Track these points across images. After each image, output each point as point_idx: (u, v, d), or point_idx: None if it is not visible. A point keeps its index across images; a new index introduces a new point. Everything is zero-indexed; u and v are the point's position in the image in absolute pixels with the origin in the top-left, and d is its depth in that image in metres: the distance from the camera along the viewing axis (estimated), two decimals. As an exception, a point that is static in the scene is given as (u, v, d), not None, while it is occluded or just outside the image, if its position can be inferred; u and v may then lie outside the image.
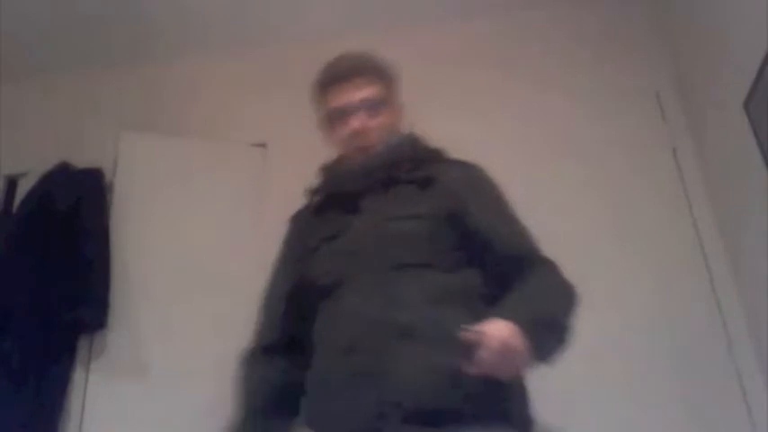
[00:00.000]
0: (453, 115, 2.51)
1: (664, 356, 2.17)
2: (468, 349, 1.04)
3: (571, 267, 2.30)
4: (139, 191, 2.57)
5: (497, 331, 1.05)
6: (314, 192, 1.48)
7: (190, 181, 2.61)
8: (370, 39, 2.85)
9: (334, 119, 1.40)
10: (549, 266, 1.36)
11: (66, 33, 2.79)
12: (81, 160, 2.66)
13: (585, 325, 2.20)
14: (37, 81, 2.98)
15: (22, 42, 2.80)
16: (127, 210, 2.53)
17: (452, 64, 2.71)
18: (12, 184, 2.81)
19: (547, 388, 2.11)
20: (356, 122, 1.37)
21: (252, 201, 2.64)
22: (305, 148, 2.85)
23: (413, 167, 1.38)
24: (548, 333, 1.20)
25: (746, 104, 2.01)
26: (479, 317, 1.16)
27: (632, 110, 2.54)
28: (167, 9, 2.70)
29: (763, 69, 1.88)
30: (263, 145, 2.77)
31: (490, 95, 2.63)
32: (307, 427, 1.27)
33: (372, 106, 1.39)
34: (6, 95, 2.93)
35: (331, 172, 1.48)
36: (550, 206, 2.40)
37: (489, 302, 1.24)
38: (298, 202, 2.80)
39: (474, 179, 1.43)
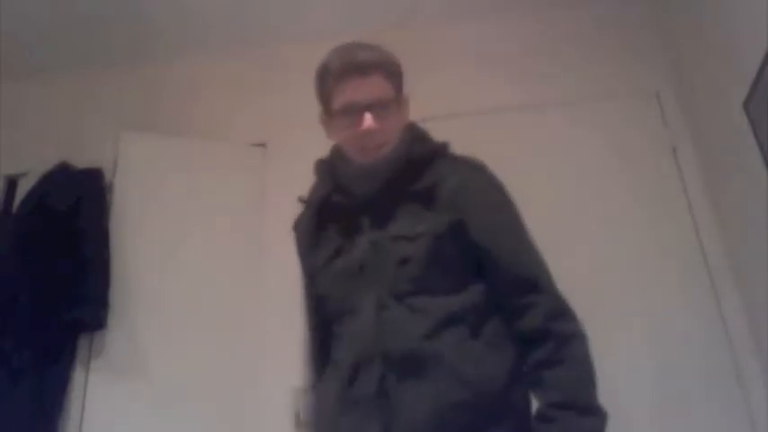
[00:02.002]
0: (453, 115, 2.51)
1: (663, 356, 2.17)
2: None
3: (570, 267, 2.32)
4: (139, 191, 2.57)
5: None
6: (312, 195, 1.41)
7: (190, 181, 2.61)
8: (371, 39, 2.87)
9: (343, 113, 1.28)
10: (563, 321, 1.24)
11: (66, 33, 2.79)
12: (81, 160, 2.66)
13: (584, 326, 2.23)
14: (37, 81, 2.98)
15: (22, 42, 2.80)
16: (127, 210, 2.53)
17: (452, 65, 2.71)
18: (12, 184, 2.81)
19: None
20: (368, 122, 1.26)
21: (252, 201, 2.64)
22: (305, 148, 2.86)
23: (416, 174, 1.32)
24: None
25: (746, 104, 2.01)
26: (484, 338, 1.19)
27: (632, 110, 2.54)
28: (167, 9, 2.70)
29: (763, 69, 1.88)
30: (262, 145, 2.78)
31: (490, 96, 2.63)
32: None
33: (385, 106, 1.28)
34: (6, 95, 2.93)
35: (330, 174, 1.39)
36: (549, 206, 2.40)
37: (495, 314, 1.23)
38: (297, 202, 2.79)
39: (477, 185, 1.34)
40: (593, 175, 2.45)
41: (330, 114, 1.31)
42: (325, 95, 1.32)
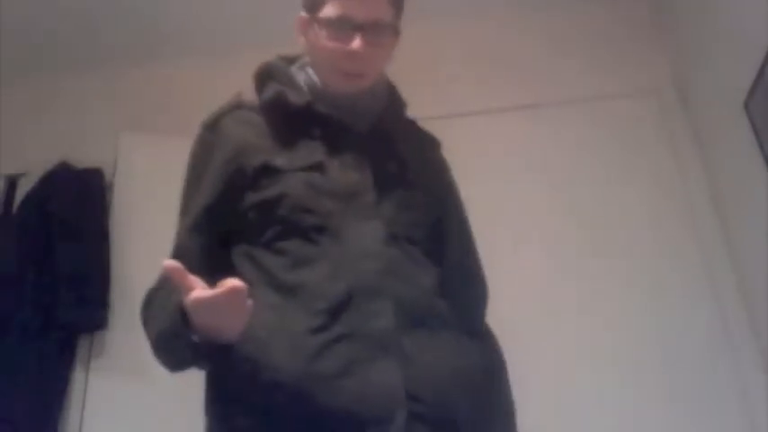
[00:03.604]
0: (453, 113, 2.51)
1: (664, 356, 2.17)
2: None
3: (570, 267, 2.32)
4: (139, 191, 2.57)
5: None
6: (280, 98, 1.19)
7: (190, 181, 2.60)
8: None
9: (332, 24, 1.13)
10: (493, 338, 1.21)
11: (66, 33, 2.79)
12: (81, 160, 2.66)
13: (585, 325, 2.23)
14: (37, 81, 2.98)
15: (22, 42, 2.80)
16: (127, 210, 2.53)
17: (451, 64, 2.71)
18: (12, 184, 2.80)
19: (549, 388, 2.12)
20: (358, 45, 1.10)
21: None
22: (305, 148, 2.87)
23: (402, 121, 1.25)
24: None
25: (746, 104, 2.01)
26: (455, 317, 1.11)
27: (632, 110, 2.54)
28: (168, 10, 2.70)
29: (763, 69, 1.88)
30: (262, 145, 2.77)
31: (489, 96, 2.63)
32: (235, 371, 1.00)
33: (380, 31, 1.13)
34: (6, 95, 2.92)
35: (297, 87, 1.19)
36: (548, 206, 2.41)
37: None
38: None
39: (446, 163, 1.31)
40: (593, 174, 2.45)
41: (315, 19, 1.15)
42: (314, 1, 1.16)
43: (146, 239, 2.49)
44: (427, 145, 1.31)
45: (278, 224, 1.08)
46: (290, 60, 1.26)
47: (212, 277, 0.96)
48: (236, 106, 1.25)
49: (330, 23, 1.13)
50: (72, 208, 2.50)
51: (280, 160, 1.11)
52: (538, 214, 2.40)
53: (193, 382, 2.14)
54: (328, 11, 1.13)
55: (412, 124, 1.31)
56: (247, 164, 1.12)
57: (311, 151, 1.12)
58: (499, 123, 2.56)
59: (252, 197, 1.11)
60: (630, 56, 2.62)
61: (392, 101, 1.25)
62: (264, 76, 1.26)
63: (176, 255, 1.18)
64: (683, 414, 2.08)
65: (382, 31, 1.14)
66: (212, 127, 1.23)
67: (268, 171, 1.11)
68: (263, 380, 0.97)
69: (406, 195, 1.14)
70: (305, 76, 1.21)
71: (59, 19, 2.70)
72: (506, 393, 1.16)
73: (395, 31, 1.17)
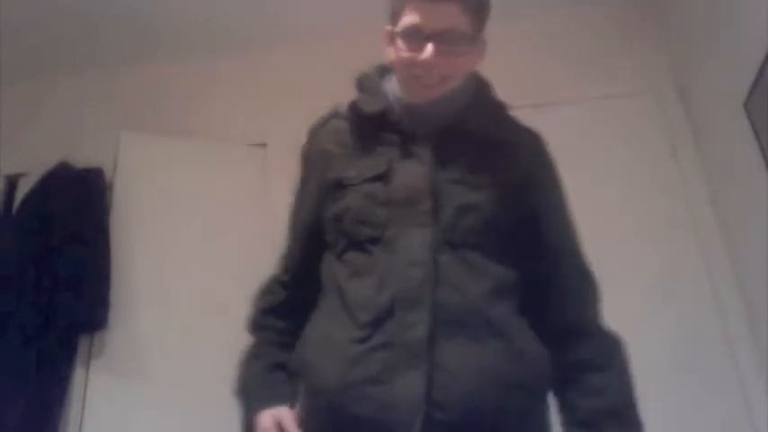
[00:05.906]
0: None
1: (664, 356, 2.17)
2: None
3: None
4: (139, 191, 2.57)
5: None
6: (358, 107, 1.22)
7: (190, 181, 2.61)
8: (371, 38, 2.87)
9: (405, 35, 1.14)
10: (610, 338, 1.24)
11: (66, 33, 2.79)
12: (81, 160, 2.66)
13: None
14: (37, 81, 2.98)
15: (22, 42, 2.80)
16: (127, 210, 2.53)
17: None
18: (12, 184, 2.81)
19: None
20: (429, 52, 1.11)
21: (252, 201, 2.64)
22: (305, 148, 2.87)
23: (485, 123, 1.22)
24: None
25: (746, 104, 2.01)
26: (525, 322, 1.11)
27: (632, 110, 2.54)
28: (168, 10, 2.70)
29: (763, 69, 1.88)
30: (263, 145, 2.77)
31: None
32: (297, 376, 1.13)
33: (453, 40, 1.12)
34: (6, 95, 2.93)
35: (380, 92, 1.23)
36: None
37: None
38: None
39: (549, 158, 1.28)
40: (593, 174, 2.45)
41: (393, 32, 1.17)
42: (395, 8, 1.18)
43: (146, 239, 2.49)
44: (516, 141, 1.25)
45: (344, 237, 1.15)
46: (386, 69, 1.28)
47: (312, 280, 1.16)
48: (333, 115, 1.30)
49: (403, 34, 1.15)
50: (72, 208, 2.50)
51: (349, 174, 1.18)
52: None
53: (193, 382, 2.14)
54: (402, 23, 1.16)
55: (504, 121, 1.28)
56: (329, 178, 1.20)
57: (378, 160, 1.17)
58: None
59: (329, 211, 1.19)
60: (630, 56, 2.62)
61: (478, 100, 1.23)
62: (357, 85, 1.30)
63: (284, 259, 1.33)
64: (683, 414, 2.08)
65: (455, 40, 1.13)
66: (310, 137, 1.31)
67: (340, 186, 1.18)
68: (310, 384, 1.09)
69: (472, 198, 1.13)
70: (391, 84, 1.25)
71: (59, 19, 2.70)
72: (544, 413, 1.13)
73: (471, 40, 1.16)
